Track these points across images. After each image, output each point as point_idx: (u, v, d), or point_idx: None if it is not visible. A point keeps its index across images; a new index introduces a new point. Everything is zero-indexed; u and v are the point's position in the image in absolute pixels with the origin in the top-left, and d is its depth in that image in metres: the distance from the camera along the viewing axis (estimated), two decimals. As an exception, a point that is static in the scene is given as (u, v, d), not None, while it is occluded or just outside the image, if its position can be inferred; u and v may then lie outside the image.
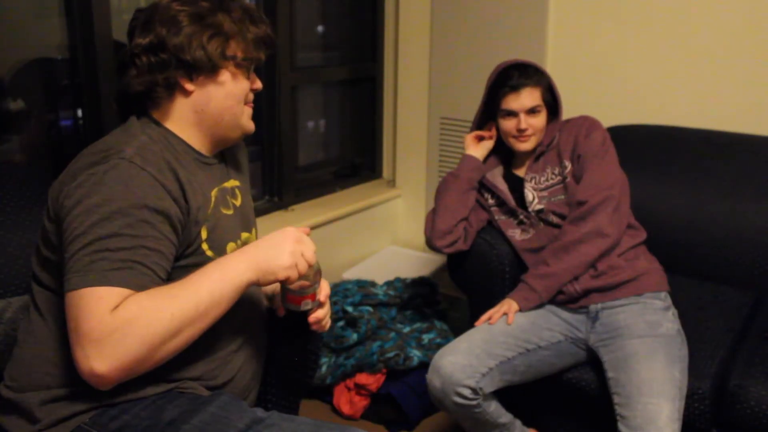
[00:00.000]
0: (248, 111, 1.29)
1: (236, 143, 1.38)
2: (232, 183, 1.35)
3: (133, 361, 1.02)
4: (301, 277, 1.18)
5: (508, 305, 1.82)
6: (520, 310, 1.82)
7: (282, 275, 1.15)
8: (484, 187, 2.03)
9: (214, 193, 1.26)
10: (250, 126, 1.30)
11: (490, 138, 2.01)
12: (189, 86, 1.21)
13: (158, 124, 1.23)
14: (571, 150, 1.91)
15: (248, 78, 1.27)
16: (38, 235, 1.21)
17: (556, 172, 1.92)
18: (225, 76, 1.22)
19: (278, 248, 1.15)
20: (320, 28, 2.99)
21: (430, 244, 1.97)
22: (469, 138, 2.03)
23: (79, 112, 2.07)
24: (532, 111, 1.87)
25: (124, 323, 1.00)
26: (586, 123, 1.93)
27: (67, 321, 1.04)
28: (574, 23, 2.54)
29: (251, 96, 1.29)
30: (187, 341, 1.08)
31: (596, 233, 1.79)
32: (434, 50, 2.85)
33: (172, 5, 1.20)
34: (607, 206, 1.81)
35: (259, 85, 1.30)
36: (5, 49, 1.92)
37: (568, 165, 1.91)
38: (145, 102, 1.24)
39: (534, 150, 1.94)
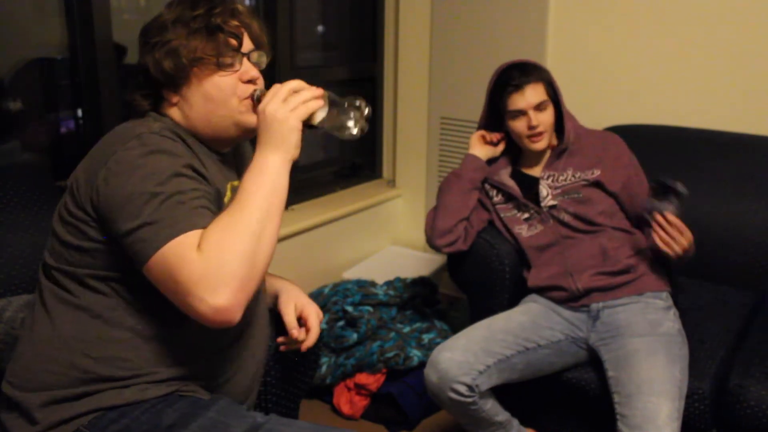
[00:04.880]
0: (247, 104, 1.22)
1: (244, 141, 1.36)
2: None
3: (243, 279, 1.03)
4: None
5: None
6: None
7: (292, 131, 1.14)
8: (489, 185, 2.03)
9: (229, 186, 1.27)
10: (251, 120, 1.22)
11: (492, 142, 2.00)
12: (174, 98, 1.23)
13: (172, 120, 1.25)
14: (599, 157, 1.92)
15: (224, 74, 1.20)
16: (55, 229, 1.19)
17: (577, 176, 1.90)
18: (193, 81, 1.20)
19: (274, 118, 1.13)
20: (320, 28, 3.00)
21: (430, 243, 1.97)
22: (475, 137, 2.03)
23: (79, 112, 2.07)
24: (539, 107, 1.87)
25: (214, 252, 1.02)
26: (616, 137, 1.99)
27: (162, 285, 1.06)
28: (574, 23, 2.54)
29: (248, 89, 1.22)
30: (272, 239, 1.10)
31: None
32: (434, 50, 2.85)
33: (153, 21, 1.23)
34: None
35: (250, 75, 1.22)
36: (5, 49, 1.92)
37: (597, 171, 1.90)
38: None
39: (552, 149, 1.93)
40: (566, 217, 1.89)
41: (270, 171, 1.12)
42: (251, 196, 1.10)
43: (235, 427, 1.12)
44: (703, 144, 2.25)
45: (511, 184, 1.98)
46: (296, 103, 1.14)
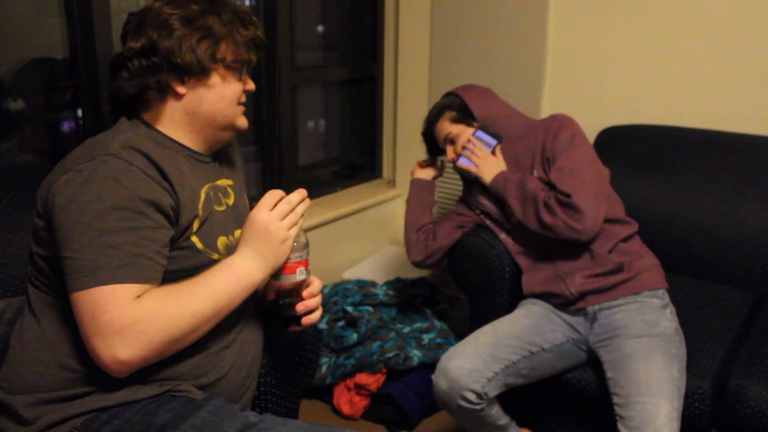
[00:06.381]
0: (240, 110, 1.31)
1: (230, 142, 1.39)
2: (225, 182, 1.36)
3: (154, 351, 1.08)
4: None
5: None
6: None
7: (286, 254, 1.21)
8: (473, 204, 2.06)
9: (204, 189, 1.27)
10: (243, 123, 1.32)
11: (429, 164, 2.17)
12: (180, 89, 1.23)
13: (148, 125, 1.25)
14: (540, 157, 1.88)
15: (240, 80, 1.28)
16: (30, 235, 1.22)
17: None
18: (215, 78, 1.24)
19: (270, 234, 1.19)
20: (320, 28, 3.00)
21: (415, 263, 2.11)
22: (415, 167, 2.20)
23: (79, 112, 2.07)
24: (449, 141, 2.00)
25: (146, 316, 1.06)
26: (554, 123, 1.86)
27: (79, 317, 1.07)
28: (574, 23, 2.54)
29: (244, 97, 1.31)
30: (201, 334, 1.15)
31: (567, 225, 1.74)
32: (434, 50, 2.85)
33: (163, 9, 1.21)
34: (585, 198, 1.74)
35: (251, 86, 1.32)
36: (5, 49, 1.92)
37: (536, 173, 1.88)
38: (137, 105, 1.26)
39: None
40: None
41: (245, 283, 1.18)
42: (213, 293, 1.14)
43: (228, 427, 1.12)
44: (703, 144, 2.25)
45: (485, 201, 2.01)
46: (293, 222, 1.21)
